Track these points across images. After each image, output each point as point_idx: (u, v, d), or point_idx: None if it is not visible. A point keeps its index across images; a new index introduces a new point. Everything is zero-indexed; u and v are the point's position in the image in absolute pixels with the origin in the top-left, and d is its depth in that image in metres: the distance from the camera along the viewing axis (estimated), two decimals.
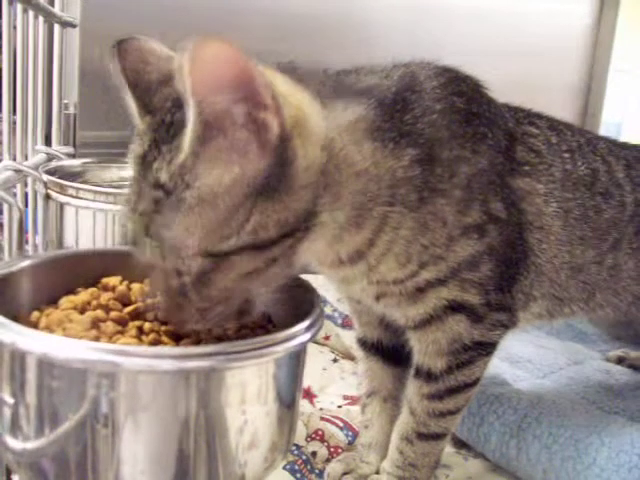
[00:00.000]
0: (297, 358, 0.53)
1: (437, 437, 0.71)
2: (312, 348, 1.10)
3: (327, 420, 0.86)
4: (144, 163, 0.50)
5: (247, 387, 0.47)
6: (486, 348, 0.68)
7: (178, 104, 0.50)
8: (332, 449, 0.82)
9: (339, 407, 0.93)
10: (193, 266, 0.49)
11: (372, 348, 0.77)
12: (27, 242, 0.81)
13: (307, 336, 0.49)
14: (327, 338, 1.11)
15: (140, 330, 0.54)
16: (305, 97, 0.54)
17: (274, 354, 0.47)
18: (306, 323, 0.50)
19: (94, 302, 0.57)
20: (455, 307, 0.64)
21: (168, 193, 0.48)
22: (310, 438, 0.84)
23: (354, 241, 0.59)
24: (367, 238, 0.59)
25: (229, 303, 0.52)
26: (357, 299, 0.70)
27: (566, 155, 0.72)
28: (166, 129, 0.50)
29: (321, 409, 0.91)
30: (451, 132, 0.61)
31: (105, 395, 0.43)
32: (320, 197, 0.54)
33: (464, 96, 0.64)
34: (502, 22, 1.65)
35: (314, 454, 0.81)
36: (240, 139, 0.48)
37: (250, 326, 0.58)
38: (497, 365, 0.96)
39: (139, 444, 0.45)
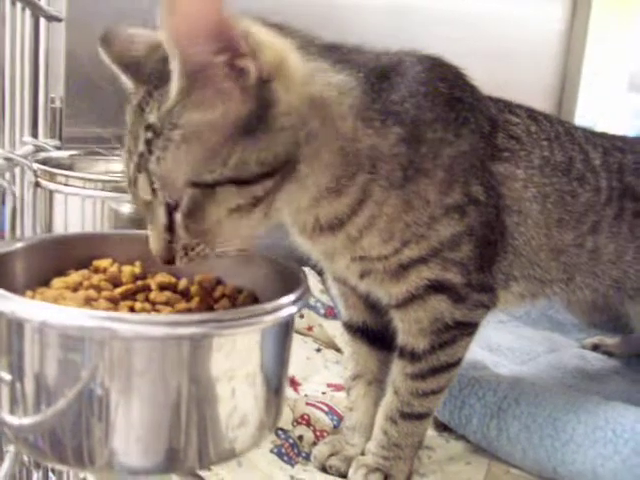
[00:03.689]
0: (284, 333, 0.54)
1: (420, 417, 0.73)
2: (296, 338, 1.11)
3: (312, 405, 0.88)
4: (138, 112, 0.55)
5: (236, 357, 0.49)
6: (467, 328, 0.70)
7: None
8: (318, 433, 0.84)
9: (323, 394, 0.95)
10: (183, 197, 0.53)
11: (358, 331, 0.79)
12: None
13: (294, 308, 0.51)
14: (310, 329, 1.13)
15: (131, 310, 0.56)
16: (286, 44, 0.57)
17: (263, 323, 0.49)
18: (293, 296, 0.52)
19: (86, 283, 0.58)
20: (437, 287, 0.66)
21: (157, 133, 0.52)
22: (296, 422, 0.85)
23: (334, 207, 0.62)
24: (348, 206, 0.62)
25: (212, 241, 0.56)
26: (342, 278, 0.72)
27: (544, 143, 0.75)
28: (157, 78, 0.54)
29: (306, 395, 0.93)
30: (435, 114, 0.64)
31: (101, 362, 0.45)
32: (300, 146, 0.56)
33: (447, 82, 0.67)
34: (478, 26, 1.69)
35: (301, 438, 0.83)
36: (221, 85, 0.52)
37: (238, 306, 0.60)
38: (477, 352, 0.98)
39: (134, 411, 0.46)
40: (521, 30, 1.77)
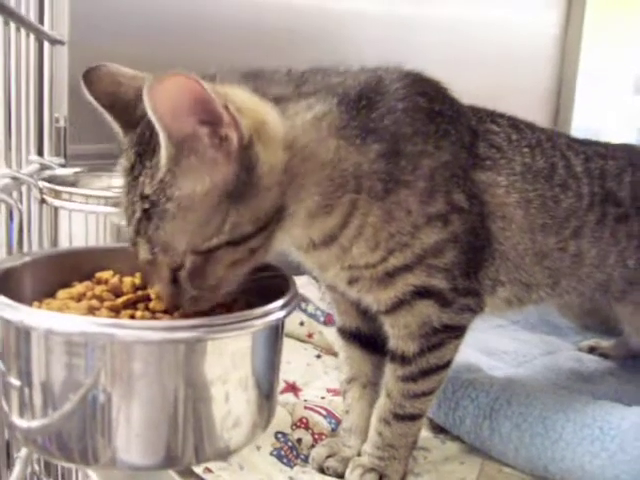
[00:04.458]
0: (274, 337, 0.57)
1: (413, 418, 0.75)
2: (296, 345, 1.15)
3: (311, 409, 0.91)
4: (132, 175, 0.57)
5: (228, 361, 0.52)
6: (455, 331, 0.73)
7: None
8: (316, 436, 0.87)
9: (322, 398, 0.97)
10: (185, 262, 0.56)
11: (351, 336, 0.81)
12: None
13: (283, 313, 0.54)
14: (310, 336, 1.16)
15: (132, 318, 0.59)
16: (262, 106, 0.59)
17: (253, 327, 0.52)
18: (281, 302, 0.55)
19: (89, 293, 0.62)
20: (423, 292, 0.69)
21: (153, 204, 0.55)
22: (295, 426, 0.88)
23: (325, 226, 0.65)
24: (338, 222, 0.65)
25: (219, 290, 0.59)
26: (333, 286, 0.75)
27: (526, 150, 0.78)
28: (147, 143, 0.56)
29: (305, 400, 0.96)
30: (415, 128, 0.67)
31: (103, 367, 0.48)
32: (287, 193, 0.60)
33: (426, 96, 0.69)
34: (473, 32, 1.71)
35: (299, 441, 0.86)
36: (207, 154, 0.54)
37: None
38: (472, 355, 1.00)
39: (134, 411, 0.49)
40: (516, 35, 1.79)
